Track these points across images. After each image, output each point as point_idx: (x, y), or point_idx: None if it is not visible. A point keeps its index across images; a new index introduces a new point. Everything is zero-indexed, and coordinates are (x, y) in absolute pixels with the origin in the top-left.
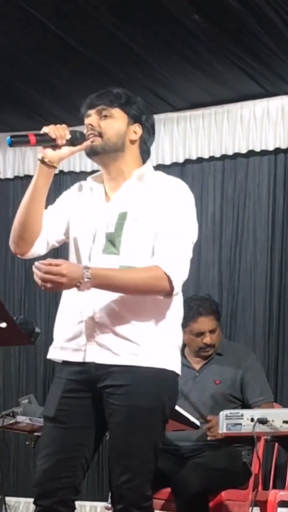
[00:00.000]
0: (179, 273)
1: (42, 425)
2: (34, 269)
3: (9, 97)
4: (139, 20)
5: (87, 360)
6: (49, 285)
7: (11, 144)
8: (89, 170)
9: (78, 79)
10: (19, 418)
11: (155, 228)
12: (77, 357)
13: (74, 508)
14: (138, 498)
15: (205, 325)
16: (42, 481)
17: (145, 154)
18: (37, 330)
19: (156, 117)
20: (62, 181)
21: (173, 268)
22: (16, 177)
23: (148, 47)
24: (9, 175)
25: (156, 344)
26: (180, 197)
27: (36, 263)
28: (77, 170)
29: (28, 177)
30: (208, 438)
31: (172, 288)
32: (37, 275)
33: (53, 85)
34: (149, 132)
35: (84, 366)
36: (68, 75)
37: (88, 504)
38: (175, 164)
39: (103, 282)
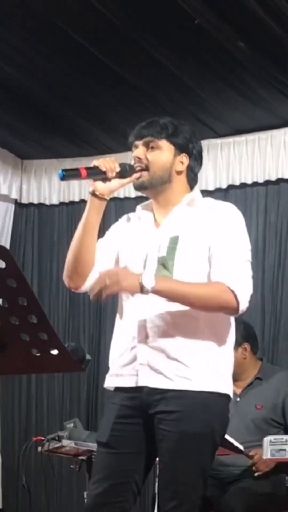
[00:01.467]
0: (244, 288)
1: (87, 449)
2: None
3: (57, 124)
4: (185, 48)
5: (140, 384)
6: (106, 287)
7: (63, 178)
8: (133, 196)
9: (125, 107)
10: (65, 442)
11: (207, 250)
12: (130, 382)
13: None
14: None
15: None
16: (94, 506)
17: (193, 181)
18: (88, 357)
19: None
20: (106, 207)
21: (238, 283)
22: (61, 203)
23: (193, 74)
24: (54, 201)
25: (208, 366)
26: (233, 219)
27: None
28: (121, 196)
29: (73, 203)
30: (256, 475)
31: (238, 302)
32: (95, 285)
33: (100, 113)
34: (197, 159)
35: (136, 391)
36: (115, 103)
37: None
38: (218, 190)
39: (165, 290)
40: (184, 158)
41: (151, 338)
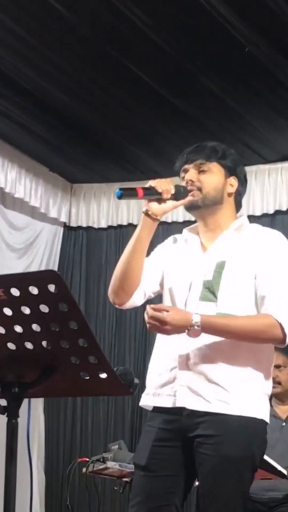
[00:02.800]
0: None
1: (131, 471)
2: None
3: (106, 149)
4: (234, 74)
5: (178, 405)
6: (154, 329)
7: (120, 197)
8: (180, 220)
9: (173, 132)
10: (109, 463)
11: (253, 277)
12: (168, 403)
13: None
14: None
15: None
16: None
17: (239, 206)
18: (136, 381)
19: (248, 168)
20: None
21: (285, 316)
22: (110, 227)
23: (242, 101)
24: (103, 224)
25: (247, 392)
26: (280, 247)
27: (147, 307)
28: (169, 220)
29: (122, 227)
30: None
31: (285, 335)
32: (146, 318)
33: (150, 138)
34: (243, 184)
35: (175, 413)
36: (164, 128)
37: None
38: (265, 215)
39: (214, 329)
40: (234, 181)
41: (192, 361)
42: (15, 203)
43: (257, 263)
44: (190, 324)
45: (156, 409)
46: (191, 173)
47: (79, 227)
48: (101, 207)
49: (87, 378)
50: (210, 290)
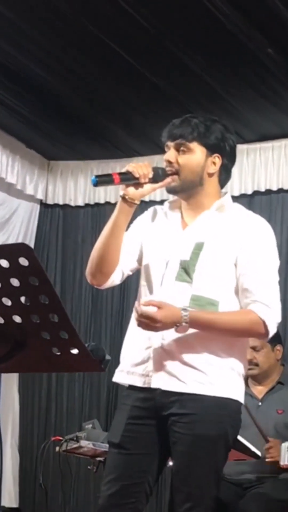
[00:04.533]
0: (274, 318)
1: (105, 450)
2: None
3: (85, 126)
4: (214, 53)
5: (153, 386)
6: (143, 326)
7: (96, 184)
8: (158, 199)
9: (153, 111)
10: (83, 442)
11: (232, 261)
12: (142, 382)
13: None
14: None
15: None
16: (107, 507)
17: (225, 180)
18: (108, 357)
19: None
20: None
21: (268, 313)
22: (87, 205)
23: (222, 80)
24: (80, 202)
25: (222, 373)
26: (264, 237)
27: (136, 303)
28: (146, 199)
29: (99, 205)
30: (267, 460)
31: (267, 332)
32: (135, 315)
33: (128, 116)
34: (230, 156)
35: (149, 392)
36: (143, 106)
37: None
38: (243, 196)
39: (201, 326)
40: (217, 159)
41: (167, 342)
42: None
43: (238, 250)
44: (179, 321)
45: (131, 387)
46: (170, 153)
47: (56, 205)
48: (78, 185)
49: (58, 353)
50: (186, 271)
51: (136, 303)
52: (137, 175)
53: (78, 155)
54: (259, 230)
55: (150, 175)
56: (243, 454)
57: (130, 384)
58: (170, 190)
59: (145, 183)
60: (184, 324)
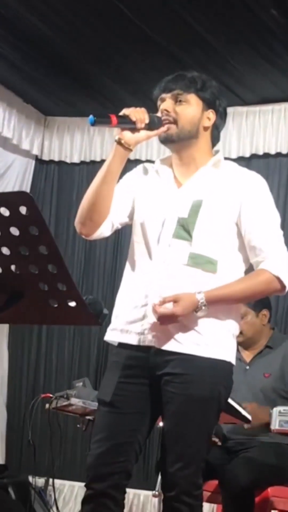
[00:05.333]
0: (286, 268)
1: (94, 409)
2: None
3: (83, 83)
4: (216, 11)
5: (148, 344)
6: (166, 322)
7: (94, 123)
8: (154, 159)
9: (152, 68)
10: (73, 400)
11: (232, 218)
12: (137, 340)
13: (125, 492)
14: (190, 486)
15: None
16: (96, 465)
17: (216, 140)
18: (105, 311)
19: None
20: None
21: (281, 268)
22: (82, 162)
23: (223, 39)
24: (75, 160)
25: (218, 334)
26: (263, 191)
27: (152, 304)
28: (143, 158)
29: (94, 163)
30: (245, 427)
31: (284, 286)
32: (154, 314)
33: (128, 73)
34: (222, 117)
35: (142, 350)
36: (143, 63)
37: (131, 491)
38: (241, 158)
39: (219, 302)
40: (211, 114)
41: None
42: None
43: (239, 208)
44: (197, 306)
45: (122, 345)
46: (167, 103)
47: (51, 161)
48: (74, 142)
49: (55, 305)
50: (185, 228)
51: (152, 304)
52: (134, 119)
53: (76, 112)
54: (259, 186)
55: (147, 121)
56: (233, 418)
57: (123, 342)
58: (166, 139)
59: (141, 128)
60: (203, 308)
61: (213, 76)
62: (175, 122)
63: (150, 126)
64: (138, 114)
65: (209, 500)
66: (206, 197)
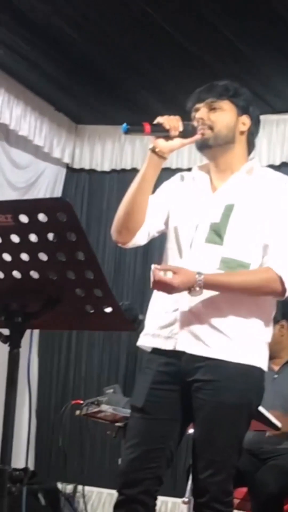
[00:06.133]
0: None
1: (124, 416)
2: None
3: (115, 91)
4: (246, 18)
5: (178, 348)
6: (160, 290)
7: (127, 132)
8: (185, 167)
9: (184, 77)
10: (103, 407)
11: (261, 223)
12: (168, 345)
13: (156, 498)
14: (221, 492)
15: None
16: (128, 471)
17: (251, 146)
18: (141, 317)
19: None
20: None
21: (285, 269)
22: (113, 171)
23: (253, 46)
24: (106, 168)
25: (248, 339)
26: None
27: (153, 266)
28: (173, 167)
29: (125, 171)
30: (266, 435)
31: (284, 289)
32: (151, 278)
33: (159, 82)
34: (256, 124)
35: (174, 356)
36: (175, 73)
37: (159, 498)
38: (271, 166)
39: (216, 287)
40: (246, 119)
41: (195, 304)
42: (18, 141)
43: (267, 210)
44: (193, 285)
45: (155, 351)
46: (202, 111)
47: (82, 169)
48: (105, 150)
49: (92, 311)
50: (217, 233)
51: (153, 266)
52: (167, 127)
53: (107, 120)
54: (285, 189)
55: (181, 128)
56: (262, 425)
57: (154, 347)
58: (203, 144)
59: (175, 136)
60: (197, 288)
61: (245, 84)
62: (211, 128)
63: (184, 134)
64: (172, 122)
65: (239, 507)
66: (238, 201)
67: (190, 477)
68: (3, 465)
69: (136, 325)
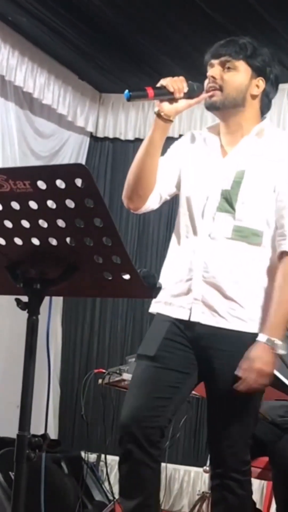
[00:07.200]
0: None
1: None
2: None
3: (139, 60)
4: None
5: (192, 319)
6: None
7: (129, 98)
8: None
9: (206, 43)
10: (125, 375)
11: (273, 190)
12: (182, 315)
13: (160, 450)
14: (239, 462)
15: None
16: (131, 419)
17: (266, 108)
18: (159, 284)
19: (281, 86)
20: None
21: None
22: (137, 139)
23: (281, 17)
24: (130, 137)
25: (261, 310)
26: None
27: None
28: (176, 135)
29: None
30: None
31: None
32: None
33: (185, 51)
34: (273, 84)
35: (188, 325)
36: (200, 41)
37: (182, 468)
38: None
39: (284, 328)
40: (261, 82)
41: (210, 274)
42: (42, 110)
43: (277, 175)
44: (273, 353)
45: (168, 318)
46: (215, 69)
47: (106, 138)
48: (129, 119)
49: (110, 278)
50: (228, 201)
51: None
52: (171, 90)
53: (130, 88)
54: None
55: (185, 90)
56: (284, 394)
57: (167, 315)
58: (211, 106)
59: (180, 98)
60: (280, 351)
61: (271, 53)
62: (220, 89)
63: (189, 95)
64: (175, 83)
65: (260, 477)
66: (249, 167)
67: None
68: (22, 432)
69: (154, 293)
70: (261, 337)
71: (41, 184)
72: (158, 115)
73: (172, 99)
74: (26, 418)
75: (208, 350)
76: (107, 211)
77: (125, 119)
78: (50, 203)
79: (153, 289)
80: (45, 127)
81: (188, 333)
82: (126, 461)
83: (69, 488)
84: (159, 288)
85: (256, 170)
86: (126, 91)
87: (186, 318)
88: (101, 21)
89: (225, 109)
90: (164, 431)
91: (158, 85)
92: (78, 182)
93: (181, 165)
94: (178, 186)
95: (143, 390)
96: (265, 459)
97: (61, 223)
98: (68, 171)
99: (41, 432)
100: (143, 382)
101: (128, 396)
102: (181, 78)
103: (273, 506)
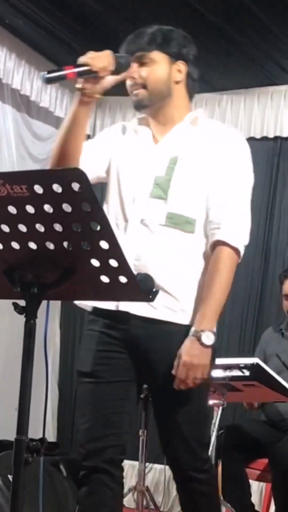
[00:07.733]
0: (243, 241)
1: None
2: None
3: None
4: None
5: (121, 309)
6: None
7: (48, 81)
8: None
9: (204, 47)
10: None
11: (206, 177)
12: (110, 305)
13: (122, 469)
14: (197, 460)
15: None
16: (86, 442)
17: (192, 89)
18: (157, 287)
19: (278, 88)
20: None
21: (237, 239)
22: None
23: (277, 19)
24: None
25: (193, 300)
26: (239, 153)
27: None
28: None
29: None
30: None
31: (239, 256)
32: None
33: None
34: (194, 64)
35: (117, 318)
36: (195, 42)
37: (157, 466)
38: (279, 138)
39: (217, 316)
40: (182, 66)
41: (142, 262)
42: (39, 113)
43: (212, 165)
44: (202, 341)
45: (96, 311)
46: (132, 68)
47: None
48: (126, 121)
49: (107, 281)
50: (161, 187)
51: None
52: (95, 69)
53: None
54: (234, 145)
55: (112, 67)
56: (283, 396)
57: (96, 306)
58: (138, 105)
59: (106, 75)
60: (205, 341)
61: (267, 55)
62: (143, 86)
63: (117, 70)
64: (100, 61)
65: (259, 479)
66: (182, 153)
67: None
68: (20, 436)
69: (151, 296)
70: (191, 330)
71: (38, 188)
72: (83, 93)
73: (97, 77)
74: (24, 422)
75: (143, 352)
76: (104, 215)
77: (122, 121)
78: (47, 207)
79: (151, 292)
80: (42, 130)
81: (118, 334)
82: (86, 484)
83: (68, 491)
84: (157, 292)
85: (190, 157)
86: (43, 73)
87: (113, 308)
88: (98, 24)
89: (153, 104)
90: (125, 445)
91: (79, 62)
92: (75, 186)
93: (111, 152)
94: (107, 172)
95: (90, 410)
96: (264, 461)
97: (58, 227)
98: (65, 175)
99: (40, 435)
100: (89, 401)
101: (79, 417)
102: (107, 53)
103: (272, 507)
